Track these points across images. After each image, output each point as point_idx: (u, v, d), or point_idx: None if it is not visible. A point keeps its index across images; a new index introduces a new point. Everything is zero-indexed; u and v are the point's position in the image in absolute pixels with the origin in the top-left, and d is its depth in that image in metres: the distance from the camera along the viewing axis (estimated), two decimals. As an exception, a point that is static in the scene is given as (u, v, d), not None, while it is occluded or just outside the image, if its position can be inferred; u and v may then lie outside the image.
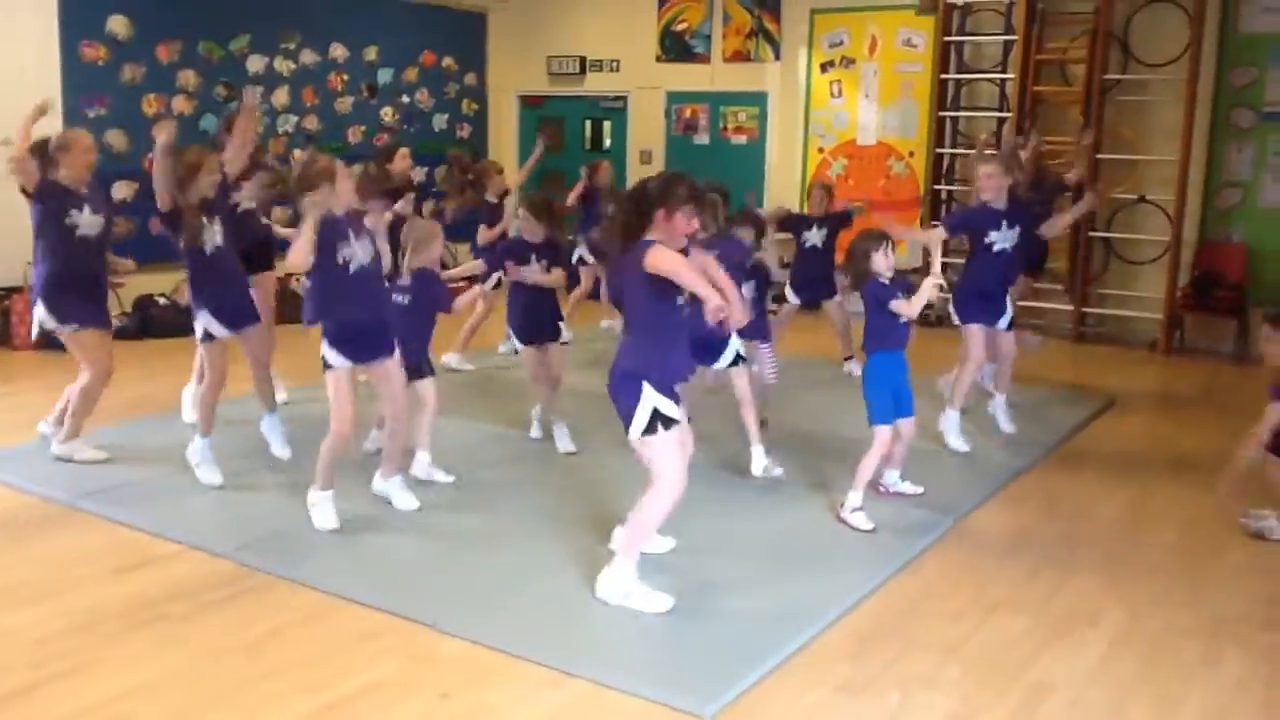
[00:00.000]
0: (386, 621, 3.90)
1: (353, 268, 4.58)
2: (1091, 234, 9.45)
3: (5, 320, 8.28)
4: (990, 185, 5.98)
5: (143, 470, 5.37)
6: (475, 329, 7.88)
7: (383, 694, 3.44)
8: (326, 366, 4.64)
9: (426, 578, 4.26)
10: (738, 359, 5.47)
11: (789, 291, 7.54)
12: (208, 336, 5.23)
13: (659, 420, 3.85)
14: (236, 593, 4.12)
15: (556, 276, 5.85)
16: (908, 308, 4.86)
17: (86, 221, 5.35)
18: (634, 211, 3.84)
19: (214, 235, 5.19)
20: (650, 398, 3.84)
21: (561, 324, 6.01)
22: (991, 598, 4.22)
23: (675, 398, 3.94)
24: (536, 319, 5.88)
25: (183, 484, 5.19)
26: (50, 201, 5.27)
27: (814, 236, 7.53)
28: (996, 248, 5.98)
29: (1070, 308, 9.52)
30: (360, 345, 4.68)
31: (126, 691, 3.40)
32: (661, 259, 3.73)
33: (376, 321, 4.77)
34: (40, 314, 5.39)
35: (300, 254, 4.44)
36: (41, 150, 5.28)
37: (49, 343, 6.11)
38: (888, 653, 3.76)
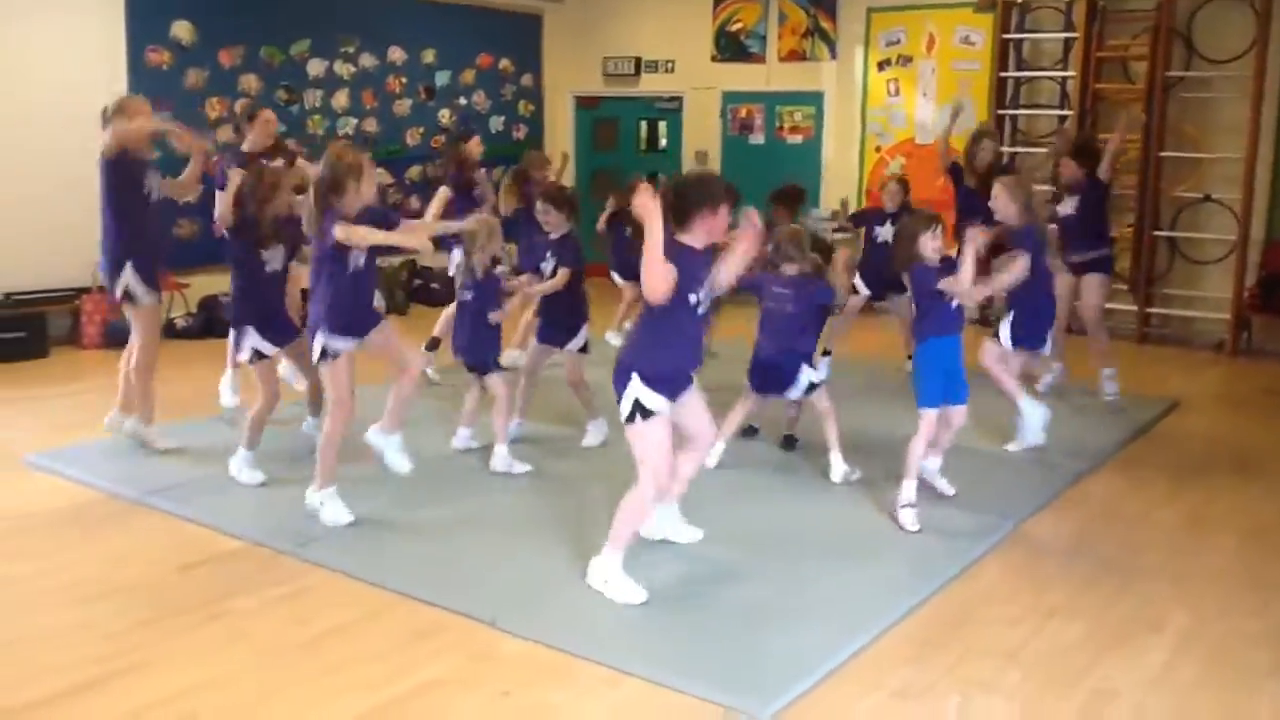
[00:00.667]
0: (446, 619, 3.93)
1: (351, 267, 4.63)
2: (1156, 233, 9.30)
3: (75, 320, 8.46)
4: (1001, 206, 5.77)
5: (207, 466, 5.46)
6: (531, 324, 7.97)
7: (443, 692, 3.47)
8: (327, 356, 4.64)
9: (484, 574, 4.29)
10: (812, 388, 5.47)
11: (859, 282, 7.44)
12: (258, 356, 5.26)
13: (639, 410, 3.94)
14: (298, 589, 4.18)
15: (560, 278, 5.74)
16: (955, 284, 4.79)
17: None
18: (674, 211, 3.88)
19: (276, 255, 5.25)
20: (634, 388, 3.94)
21: (584, 326, 5.88)
22: (1050, 603, 4.17)
23: (669, 391, 4.00)
24: (550, 318, 5.85)
25: (244, 484, 5.28)
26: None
27: (886, 232, 7.40)
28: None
29: (1134, 308, 9.38)
30: (356, 328, 4.72)
31: (190, 687, 3.46)
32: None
33: (362, 308, 4.81)
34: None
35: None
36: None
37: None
38: (947, 658, 3.73)
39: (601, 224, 8.55)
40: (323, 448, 4.77)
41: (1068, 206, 7.01)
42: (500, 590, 4.13)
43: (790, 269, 5.47)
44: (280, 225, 5.16)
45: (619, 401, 4.00)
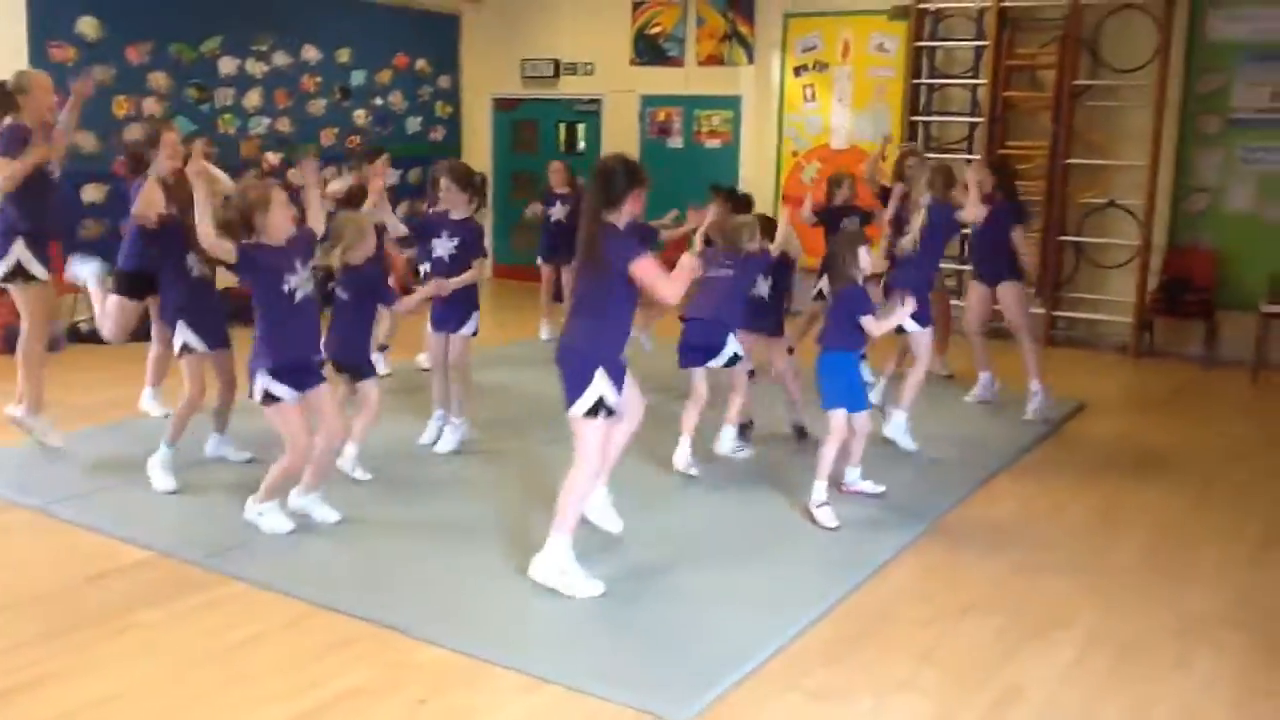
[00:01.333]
0: (360, 628, 3.88)
1: (298, 296, 4.52)
2: (1062, 238, 9.53)
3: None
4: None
5: (116, 475, 5.32)
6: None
7: (359, 700, 3.43)
8: (271, 400, 4.49)
9: (397, 583, 4.24)
10: (735, 359, 5.55)
11: (824, 284, 7.12)
12: (186, 350, 5.18)
13: (602, 408, 4.02)
14: (209, 600, 4.09)
15: (477, 270, 5.72)
16: (876, 329, 5.09)
17: None
18: (603, 193, 4.06)
19: (197, 262, 5.16)
20: (600, 385, 4.01)
21: (475, 313, 5.88)
22: (965, 599, 4.25)
23: (621, 373, 4.14)
24: (447, 305, 5.79)
25: (147, 489, 5.15)
26: None
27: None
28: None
29: (1041, 310, 9.59)
30: (303, 374, 4.58)
31: (99, 699, 3.37)
32: (647, 273, 3.95)
33: (315, 349, 4.72)
34: None
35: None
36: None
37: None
38: (863, 656, 3.78)
39: (538, 210, 8.79)
40: (272, 473, 4.65)
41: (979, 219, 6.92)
42: (413, 598, 4.09)
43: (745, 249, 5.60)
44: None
45: (574, 392, 4.03)
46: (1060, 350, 9.36)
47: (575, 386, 4.04)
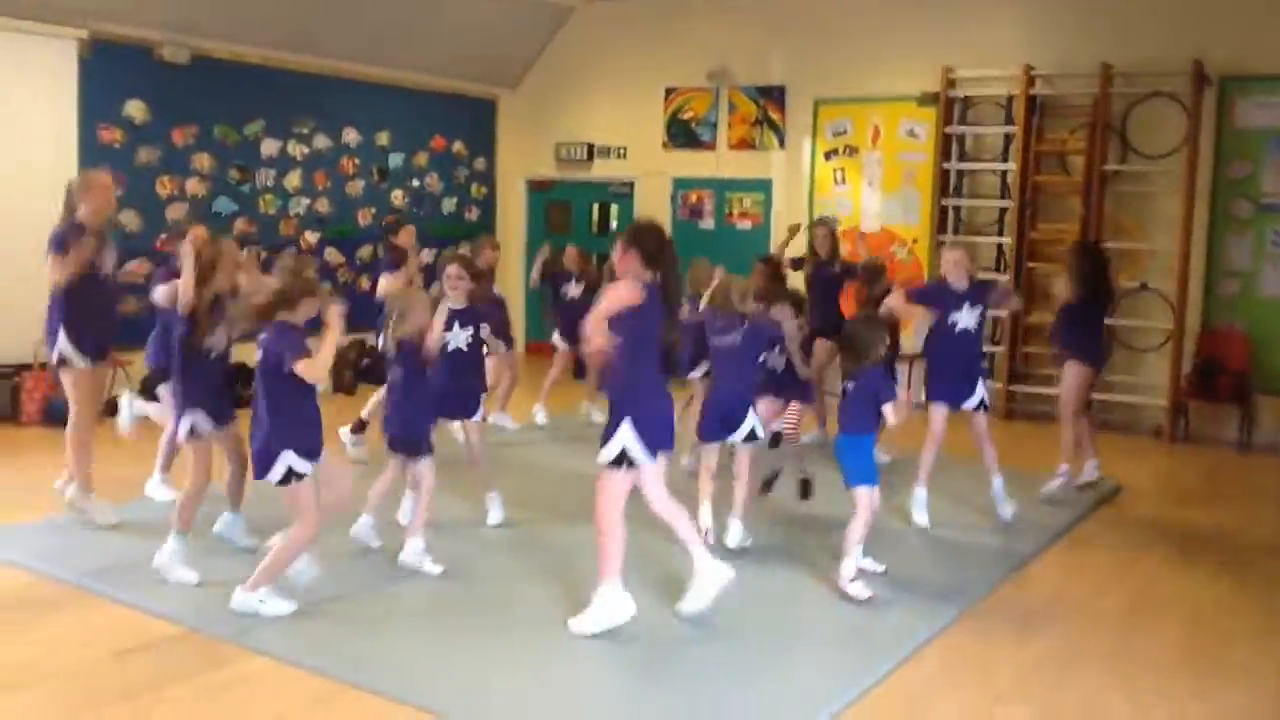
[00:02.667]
0: (393, 709, 3.86)
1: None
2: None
3: (14, 396, 8.31)
4: (953, 270, 6.32)
5: (148, 549, 5.34)
6: (509, 393, 8.36)
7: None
8: (295, 478, 4.48)
9: (433, 663, 4.21)
10: (753, 434, 5.53)
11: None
12: (193, 433, 5.13)
13: (625, 460, 4.24)
14: (238, 676, 4.09)
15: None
16: (894, 418, 5.09)
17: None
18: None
19: (220, 340, 5.18)
20: (623, 436, 4.20)
21: (483, 396, 6.02)
22: (997, 689, 4.19)
23: (657, 443, 4.32)
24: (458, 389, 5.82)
25: (177, 583, 5.16)
26: None
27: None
28: (959, 327, 6.24)
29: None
30: (317, 447, 4.60)
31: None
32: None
33: (320, 423, 4.69)
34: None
35: (321, 368, 4.44)
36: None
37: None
38: (893, 745, 3.73)
39: (535, 277, 8.85)
40: (278, 553, 4.60)
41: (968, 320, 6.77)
42: (449, 680, 4.06)
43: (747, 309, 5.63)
44: (220, 308, 5.12)
45: (603, 439, 4.28)
46: (1095, 434, 9.27)
47: (604, 436, 4.29)
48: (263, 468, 4.49)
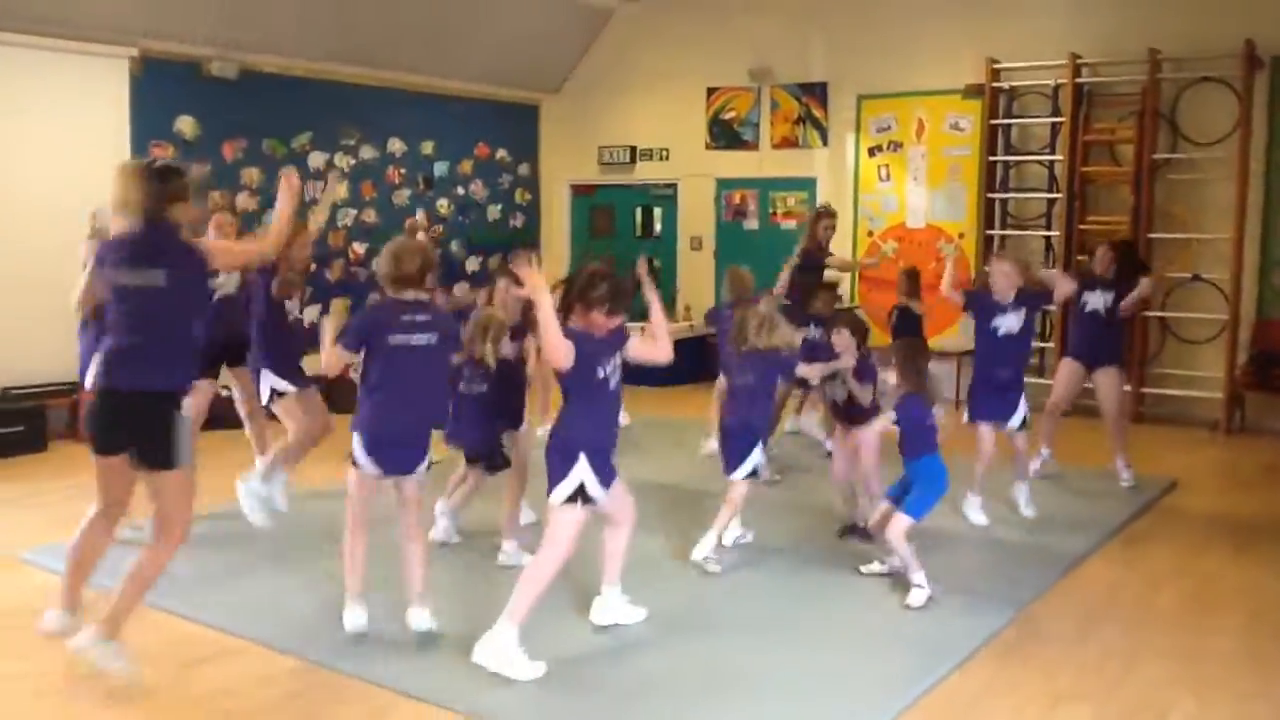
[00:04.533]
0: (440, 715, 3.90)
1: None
2: (1147, 313, 9.39)
3: (73, 413, 8.40)
4: (1002, 283, 6.24)
5: (210, 563, 5.43)
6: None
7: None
8: (352, 466, 4.48)
9: (495, 677, 4.15)
10: (755, 472, 5.46)
11: None
12: (276, 394, 5.47)
13: (581, 495, 4.10)
14: (302, 688, 4.14)
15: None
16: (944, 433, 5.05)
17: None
18: (565, 297, 4.16)
19: (296, 304, 5.46)
20: (580, 472, 4.10)
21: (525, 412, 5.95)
22: (1056, 689, 4.15)
23: (609, 472, 4.20)
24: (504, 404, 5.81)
25: (251, 577, 5.26)
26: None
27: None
28: (1001, 332, 6.18)
29: (1128, 387, 9.41)
30: (397, 456, 4.53)
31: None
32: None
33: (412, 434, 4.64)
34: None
35: None
36: None
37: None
38: (951, 746, 3.71)
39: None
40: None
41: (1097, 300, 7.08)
42: (513, 696, 4.08)
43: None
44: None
45: (556, 479, 4.12)
46: (1149, 427, 9.17)
47: (556, 474, 4.13)
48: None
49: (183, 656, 4.41)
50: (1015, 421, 6.21)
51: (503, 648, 4.09)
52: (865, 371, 5.76)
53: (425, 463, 4.53)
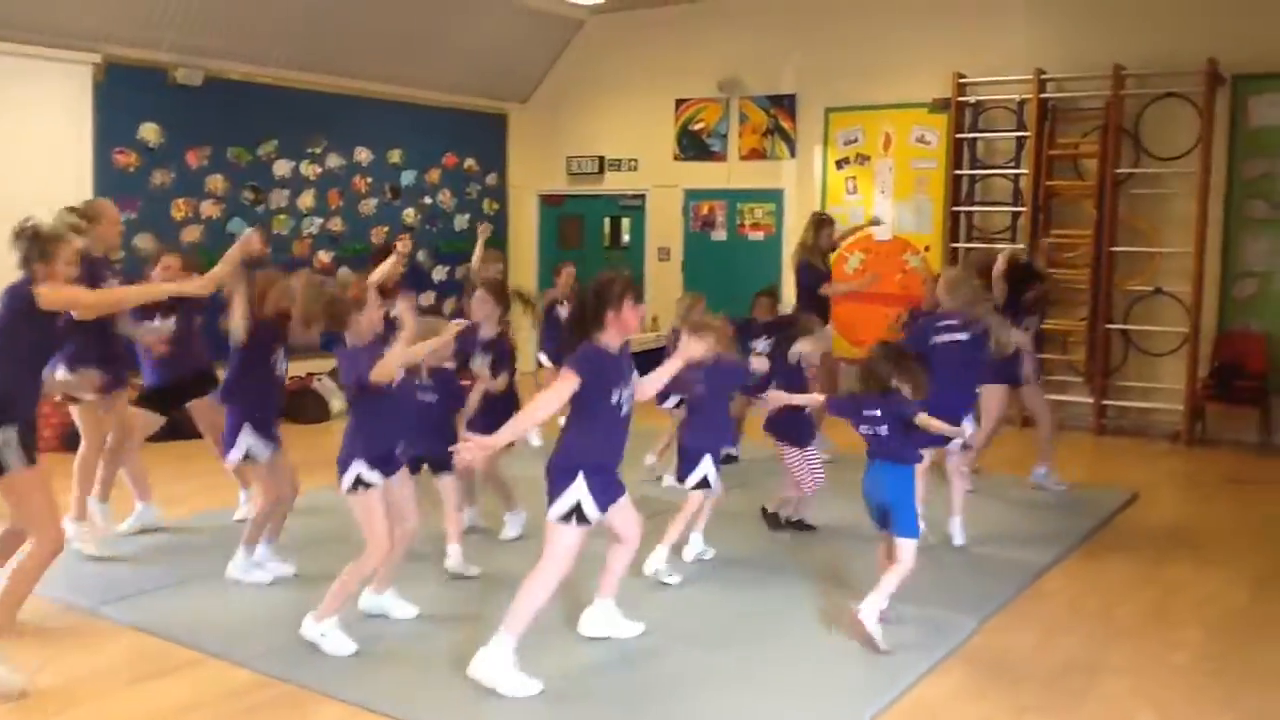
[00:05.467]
0: (408, 730, 3.87)
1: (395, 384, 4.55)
2: (1109, 326, 9.48)
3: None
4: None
5: (165, 575, 5.38)
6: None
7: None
8: (362, 487, 4.45)
9: (458, 690, 4.15)
10: (704, 483, 5.44)
11: None
12: (249, 458, 5.24)
13: (577, 514, 4.06)
14: (256, 703, 4.09)
15: (502, 382, 5.77)
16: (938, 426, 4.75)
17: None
18: (588, 313, 4.11)
19: (280, 359, 5.31)
20: (578, 490, 4.06)
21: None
22: (1020, 702, 4.16)
23: (611, 491, 4.18)
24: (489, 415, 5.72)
25: (205, 589, 5.20)
26: None
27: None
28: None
29: (1090, 400, 9.51)
30: (391, 460, 4.59)
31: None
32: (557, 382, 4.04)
33: (400, 438, 4.72)
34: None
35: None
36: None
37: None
38: (914, 760, 3.71)
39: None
40: (346, 578, 4.50)
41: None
42: (472, 707, 4.05)
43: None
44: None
45: (554, 496, 4.09)
46: (1111, 439, 9.26)
47: (555, 490, 4.10)
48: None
49: (139, 671, 4.34)
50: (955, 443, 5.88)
51: (498, 663, 4.07)
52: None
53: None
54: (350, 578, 4.54)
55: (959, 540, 5.99)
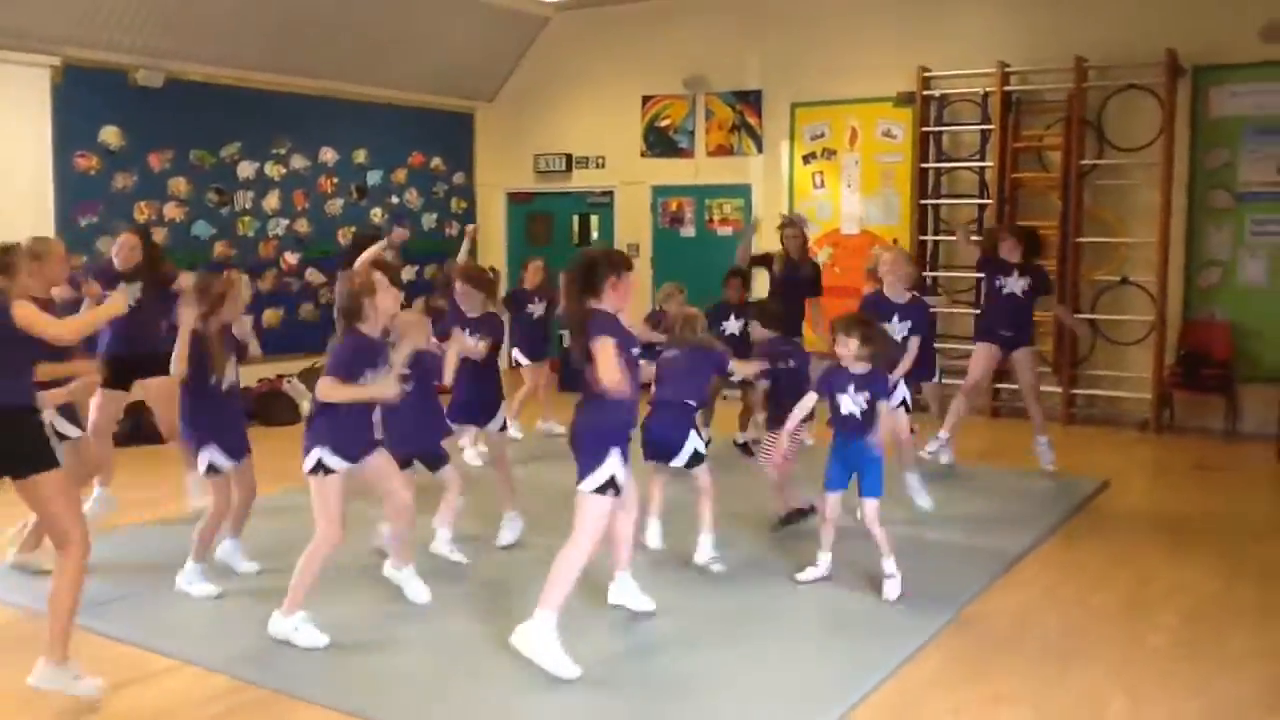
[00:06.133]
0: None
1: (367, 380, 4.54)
2: (1077, 315, 9.53)
3: None
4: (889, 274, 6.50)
5: (135, 581, 5.31)
6: (524, 401, 8.35)
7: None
8: (322, 471, 4.47)
9: (429, 694, 4.14)
10: (696, 457, 5.41)
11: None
12: (212, 469, 5.16)
13: (611, 486, 4.18)
14: (230, 708, 4.05)
15: (484, 346, 5.76)
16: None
17: None
18: (584, 281, 4.25)
19: (232, 370, 5.21)
20: (613, 463, 4.18)
21: (502, 404, 6.03)
22: (994, 690, 4.18)
23: (628, 459, 4.28)
24: (469, 396, 5.87)
25: (177, 595, 5.14)
26: None
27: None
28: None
29: (1059, 389, 9.57)
30: (356, 449, 4.59)
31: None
32: (599, 353, 4.11)
33: (371, 423, 4.75)
34: None
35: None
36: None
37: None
38: (893, 750, 3.71)
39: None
40: (302, 568, 4.52)
41: (1016, 285, 7.28)
42: (446, 711, 4.03)
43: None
44: (229, 338, 5.19)
45: (587, 469, 4.19)
46: (1080, 428, 9.33)
47: (589, 464, 4.19)
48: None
49: (113, 678, 4.28)
50: (895, 400, 6.11)
51: (541, 638, 4.14)
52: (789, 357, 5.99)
53: None
54: (306, 567, 4.54)
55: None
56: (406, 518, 4.85)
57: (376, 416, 4.86)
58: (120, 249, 6.42)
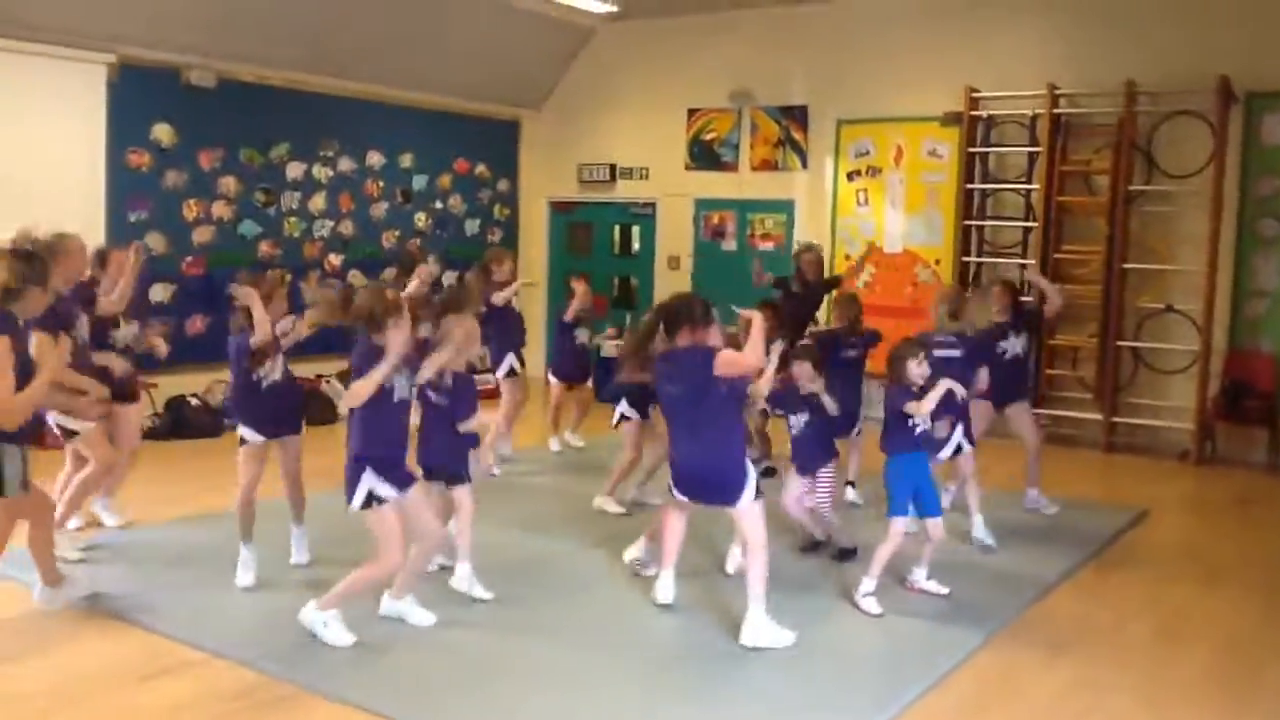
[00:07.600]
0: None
1: (397, 397, 4.56)
2: (1120, 343, 9.44)
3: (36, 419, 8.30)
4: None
5: (171, 574, 5.38)
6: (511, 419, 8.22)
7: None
8: (375, 502, 4.47)
9: (454, 697, 4.16)
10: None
11: None
12: (243, 441, 5.29)
13: (758, 492, 4.75)
14: (257, 703, 4.09)
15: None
16: (916, 408, 5.14)
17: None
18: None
19: (275, 368, 5.30)
20: (754, 476, 4.75)
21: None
22: (1025, 715, 4.14)
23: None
24: None
25: (210, 588, 5.20)
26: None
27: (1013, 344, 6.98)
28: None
29: (1100, 417, 9.47)
30: (402, 474, 4.59)
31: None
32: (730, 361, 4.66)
33: (405, 448, 4.72)
34: None
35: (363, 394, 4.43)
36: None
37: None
38: (918, 774, 3.69)
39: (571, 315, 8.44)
40: (354, 580, 4.59)
41: (1016, 345, 6.96)
42: (470, 714, 4.04)
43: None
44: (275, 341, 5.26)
45: (739, 491, 4.70)
46: (1120, 457, 9.22)
47: (738, 486, 4.70)
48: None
49: (143, 669, 4.34)
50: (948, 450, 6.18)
51: (765, 626, 4.66)
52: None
53: None
54: (359, 581, 4.58)
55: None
56: (439, 547, 4.97)
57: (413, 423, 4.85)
58: (115, 269, 6.05)
